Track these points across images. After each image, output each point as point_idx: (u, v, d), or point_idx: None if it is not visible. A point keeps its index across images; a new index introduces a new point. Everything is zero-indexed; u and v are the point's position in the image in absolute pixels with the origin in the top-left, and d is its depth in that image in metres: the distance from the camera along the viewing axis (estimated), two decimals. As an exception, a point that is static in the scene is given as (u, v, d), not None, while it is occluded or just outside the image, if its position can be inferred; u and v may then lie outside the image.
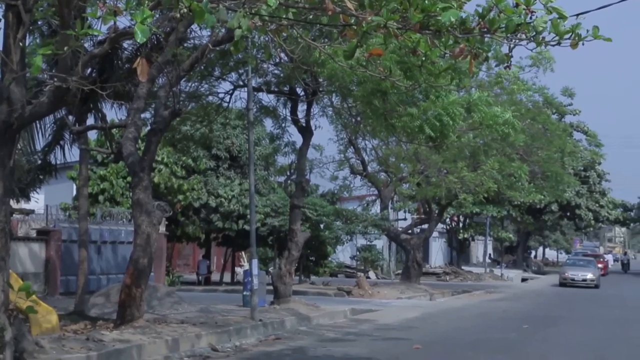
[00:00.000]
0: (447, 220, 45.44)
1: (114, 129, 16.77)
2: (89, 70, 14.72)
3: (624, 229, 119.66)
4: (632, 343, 15.12)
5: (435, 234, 45.21)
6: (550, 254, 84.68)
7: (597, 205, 52.68)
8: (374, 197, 34.76)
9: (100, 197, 24.71)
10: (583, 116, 57.10)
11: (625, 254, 68.12)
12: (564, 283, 36.83)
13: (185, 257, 40.08)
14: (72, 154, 18.71)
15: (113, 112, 18.27)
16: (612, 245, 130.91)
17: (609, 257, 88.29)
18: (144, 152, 13.53)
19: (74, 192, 25.86)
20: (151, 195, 13.45)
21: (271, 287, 19.26)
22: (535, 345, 14.45)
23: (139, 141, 15.87)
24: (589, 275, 36.60)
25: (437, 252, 53.98)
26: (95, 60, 13.91)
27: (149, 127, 14.93)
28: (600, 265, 44.50)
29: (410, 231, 33.21)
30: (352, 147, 28.99)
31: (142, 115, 14.74)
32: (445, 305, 24.21)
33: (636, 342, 15.22)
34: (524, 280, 43.86)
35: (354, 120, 17.63)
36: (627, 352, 13.70)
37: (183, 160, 27.09)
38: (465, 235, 46.97)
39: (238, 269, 34.03)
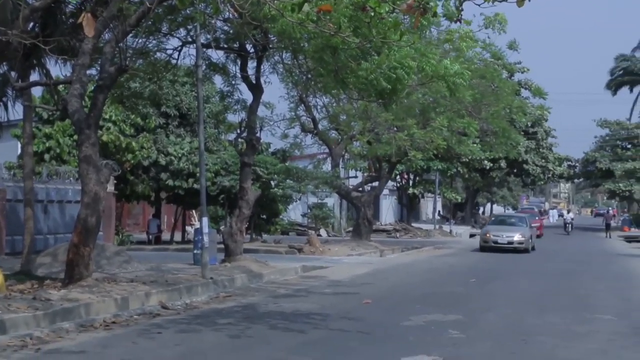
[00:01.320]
0: (397, 177, 45.86)
1: (60, 86, 16.34)
2: (30, 25, 14.29)
3: (568, 185, 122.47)
4: (574, 293, 15.61)
5: (385, 191, 45.61)
6: (498, 210, 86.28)
7: (543, 161, 53.72)
8: (324, 155, 34.78)
9: (46, 156, 24.21)
10: (531, 74, 57.57)
11: (568, 211, 55.74)
12: (484, 247, 29.71)
13: (135, 216, 39.74)
14: (16, 111, 18.25)
15: (58, 69, 17.80)
16: (557, 200, 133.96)
17: (553, 213, 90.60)
18: (90, 109, 13.26)
19: (19, 151, 25.30)
20: (99, 153, 13.24)
21: (222, 246, 19.27)
22: (482, 297, 14.82)
23: (85, 98, 15.57)
24: (517, 237, 29.38)
25: (388, 210, 54.54)
26: (37, 14, 13.51)
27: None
28: (536, 224, 39.08)
29: (360, 189, 33.42)
30: (303, 104, 28.88)
31: (88, 72, 14.40)
32: (395, 261, 24.58)
33: (577, 293, 15.71)
34: (472, 236, 44.64)
35: (304, 77, 17.51)
36: (568, 301, 14.14)
37: (132, 118, 26.66)
38: (415, 192, 47.49)
39: (189, 228, 33.90)
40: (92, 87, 15.55)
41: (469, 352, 9.05)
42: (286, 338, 9.83)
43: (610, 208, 76.42)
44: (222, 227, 23.90)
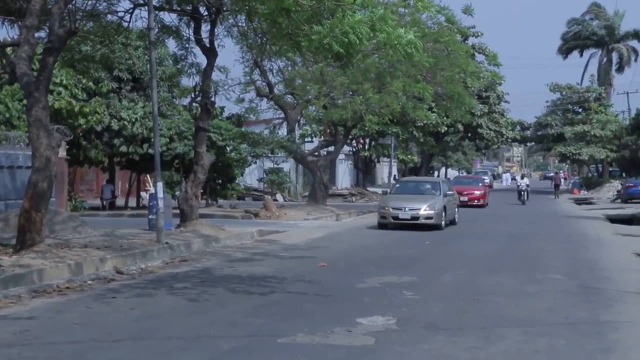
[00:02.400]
0: (353, 142, 45.99)
1: (7, 48, 15.92)
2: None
3: (521, 149, 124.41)
4: (525, 254, 15.94)
5: (341, 156, 45.74)
6: (453, 173, 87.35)
7: (496, 125, 54.39)
8: (280, 120, 34.66)
9: (-5, 121, 23.63)
10: (484, 39, 58.05)
11: (522, 177, 43.75)
12: (383, 223, 22.44)
13: (88, 182, 39.21)
14: (-38, 74, 17.73)
15: (5, 31, 17.36)
16: (510, 164, 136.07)
17: (506, 176, 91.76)
18: (39, 72, 12.96)
19: (-34, 116, 24.63)
20: (50, 118, 12.98)
21: (177, 211, 19.17)
22: (436, 259, 15.05)
23: (35, 61, 15.19)
24: (424, 210, 21.91)
25: (344, 174, 54.77)
26: (-18, -27, 13.09)
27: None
28: (479, 192, 36.19)
29: (316, 153, 33.45)
30: (258, 68, 28.62)
31: (37, 34, 14.05)
32: (351, 224, 24.75)
33: (528, 254, 16.04)
34: (427, 199, 45.12)
35: (259, 40, 17.33)
36: (520, 262, 14.43)
37: (83, 82, 26.13)
38: (371, 156, 47.71)
39: (143, 194, 33.56)
40: (41, 50, 15.17)
41: (423, 312, 9.20)
42: (242, 301, 9.87)
43: (561, 171, 77.71)
44: (177, 193, 23.75)
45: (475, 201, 34.94)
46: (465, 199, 33.53)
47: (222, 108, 32.68)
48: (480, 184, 37.88)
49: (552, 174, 70.89)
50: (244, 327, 8.21)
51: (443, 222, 22.38)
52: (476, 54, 44.78)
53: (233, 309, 9.23)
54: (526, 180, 41.29)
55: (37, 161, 12.46)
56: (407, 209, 22.08)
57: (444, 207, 22.68)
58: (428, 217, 21.95)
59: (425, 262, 14.44)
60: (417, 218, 21.91)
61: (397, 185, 26.52)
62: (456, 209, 25.08)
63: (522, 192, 39.45)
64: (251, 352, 7.07)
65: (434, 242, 18.32)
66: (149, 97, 23.54)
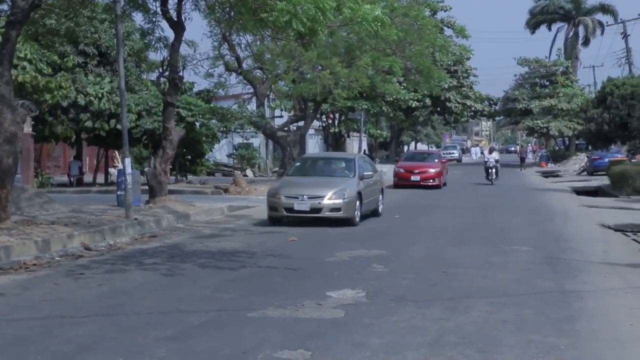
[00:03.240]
0: (323, 117, 45.95)
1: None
2: None
3: (490, 123, 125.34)
4: (493, 227, 16.12)
5: (311, 131, 45.67)
6: (422, 148, 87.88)
7: (465, 99, 54.71)
8: (249, 95, 34.45)
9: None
10: (453, 12, 58.12)
11: (490, 151, 34.64)
12: (273, 217, 16.49)
13: (55, 158, 38.73)
14: None
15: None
16: (479, 138, 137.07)
17: (476, 150, 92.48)
18: (2, 46, 12.71)
19: None
20: (15, 93, 12.77)
21: (146, 187, 19.04)
22: (405, 233, 15.15)
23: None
24: (328, 199, 16.10)
25: (314, 149, 54.73)
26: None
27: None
28: (433, 170, 29.86)
29: (286, 128, 33.36)
30: (226, 43, 28.37)
31: (-1, 7, 13.77)
32: (321, 199, 24.76)
33: (496, 226, 16.23)
34: (396, 174, 45.33)
35: (227, 14, 17.15)
36: (487, 234, 14.58)
37: (48, 56, 25.67)
38: (341, 131, 47.73)
39: (112, 170, 33.24)
40: (4, 23, 14.86)
41: (392, 285, 9.29)
42: (212, 276, 9.87)
43: (529, 144, 78.43)
44: (146, 169, 23.53)
45: (430, 181, 29.22)
46: (417, 178, 29.18)
47: (192, 84, 32.39)
48: (436, 160, 31.74)
49: (512, 148, 72.13)
50: (213, 301, 8.23)
51: (357, 215, 16.28)
52: (445, 28, 44.85)
53: (203, 284, 9.23)
54: (495, 155, 33.18)
55: (1, 136, 12.27)
56: (304, 197, 15.98)
57: (359, 195, 16.42)
58: (335, 209, 15.85)
59: (395, 236, 14.53)
60: (318, 210, 15.90)
61: (297, 164, 19.24)
62: (380, 197, 18.60)
63: (491, 170, 32.36)
64: (221, 326, 7.09)
65: (404, 216, 18.45)
66: (116, 72, 23.24)
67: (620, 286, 9.38)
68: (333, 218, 15.87)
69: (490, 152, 34.21)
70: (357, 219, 16.31)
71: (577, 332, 6.99)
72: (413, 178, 29.04)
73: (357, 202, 16.37)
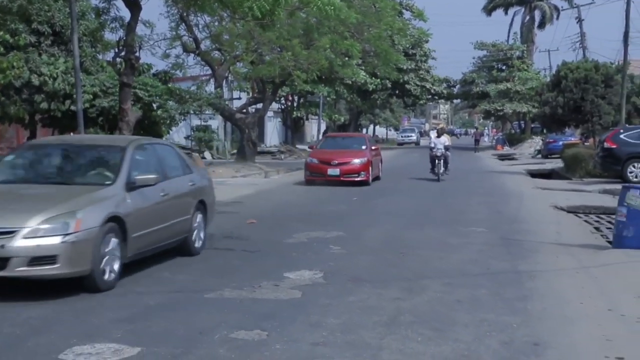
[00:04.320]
0: (282, 99, 45.82)
1: None
2: None
3: (447, 106, 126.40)
4: (450, 208, 16.30)
5: (270, 113, 45.51)
6: (380, 131, 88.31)
7: (423, 82, 55.08)
8: (208, 77, 34.15)
9: None
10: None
11: (439, 134, 25.51)
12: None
13: (8, 139, 37.90)
14: None
15: None
16: (437, 121, 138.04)
17: (434, 133, 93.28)
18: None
19: None
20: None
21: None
22: (364, 214, 15.24)
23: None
24: (24, 241, 7.09)
25: (272, 132, 54.61)
26: None
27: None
28: (359, 160, 22.34)
29: (245, 110, 33.18)
30: (184, 23, 28.07)
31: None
32: (280, 182, 24.78)
33: (453, 208, 16.41)
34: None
35: (184, -6, 17.03)
36: (445, 216, 14.74)
37: (0, 35, 25.08)
38: (299, 115, 47.68)
39: (67, 152, 32.68)
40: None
41: (350, 266, 9.35)
42: (170, 258, 9.81)
43: (486, 128, 79.36)
44: (102, 150, 23.19)
45: (354, 175, 22.01)
46: (336, 172, 21.90)
47: (150, 65, 31.94)
48: (364, 147, 23.42)
49: (457, 131, 73.53)
50: (170, 283, 8.20)
51: (105, 273, 7.83)
52: (403, 11, 44.96)
53: (161, 266, 9.17)
54: (445, 140, 24.69)
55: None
56: None
57: (116, 223, 8.07)
58: (39, 260, 7.23)
59: (353, 218, 14.61)
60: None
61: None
62: (196, 217, 10.28)
63: (438, 161, 24.03)
64: (177, 308, 7.07)
65: (363, 198, 18.53)
66: (71, 51, 22.85)
67: (572, 266, 9.59)
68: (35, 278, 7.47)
69: (439, 134, 25.14)
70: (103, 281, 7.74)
71: (529, 311, 7.14)
72: (331, 172, 21.82)
73: (112, 241, 7.91)
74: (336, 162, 22.05)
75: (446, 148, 24.24)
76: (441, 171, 23.92)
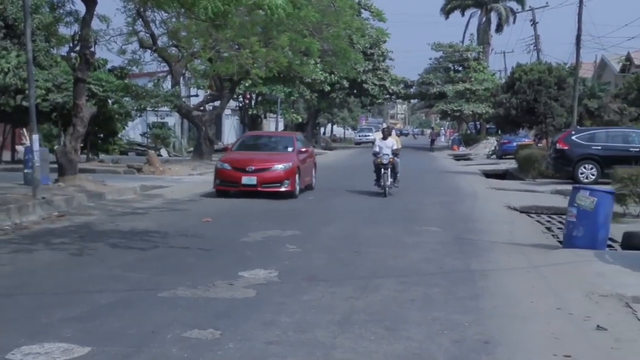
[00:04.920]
0: (240, 97, 45.62)
1: None
2: None
3: (405, 106, 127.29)
4: (405, 208, 16.40)
5: (227, 111, 45.27)
6: (338, 130, 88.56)
7: (381, 81, 55.37)
8: (165, 73, 33.84)
9: None
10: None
11: (385, 134, 19.75)
12: None
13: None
14: None
15: None
16: (395, 121, 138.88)
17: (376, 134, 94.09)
18: None
19: None
20: None
21: (56, 165, 18.51)
22: (320, 213, 15.28)
23: None
24: None
25: (230, 129, 54.36)
26: None
27: None
28: (281, 166, 18.16)
29: (202, 108, 32.97)
30: (140, 19, 27.76)
31: None
32: (236, 179, 24.64)
33: (408, 207, 16.50)
34: (313, 155, 45.54)
35: (141, -11, 16.84)
36: (400, 215, 14.87)
37: (-50, 28, 24.54)
38: (257, 113, 47.52)
39: (19, 147, 32.10)
40: None
41: (305, 265, 9.37)
42: (123, 256, 9.72)
43: (442, 128, 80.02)
44: (56, 147, 22.85)
45: (275, 185, 17.90)
46: (252, 180, 17.72)
47: (105, 60, 31.53)
48: (290, 149, 19.54)
49: (412, 132, 75.18)
50: (123, 281, 8.11)
51: None
52: (362, 10, 45.14)
53: (113, 264, 9.07)
54: (392, 143, 19.41)
55: None
56: None
57: None
58: None
59: (309, 216, 14.64)
60: None
61: None
62: None
63: (385, 170, 18.90)
64: (130, 306, 7.00)
65: (319, 196, 18.56)
66: (24, 45, 22.45)
67: (523, 265, 9.75)
68: None
69: (385, 136, 19.59)
70: None
71: (480, 310, 7.24)
72: (246, 180, 17.63)
73: None
74: (253, 168, 17.81)
75: (395, 153, 19.05)
76: (388, 183, 18.71)
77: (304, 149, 19.88)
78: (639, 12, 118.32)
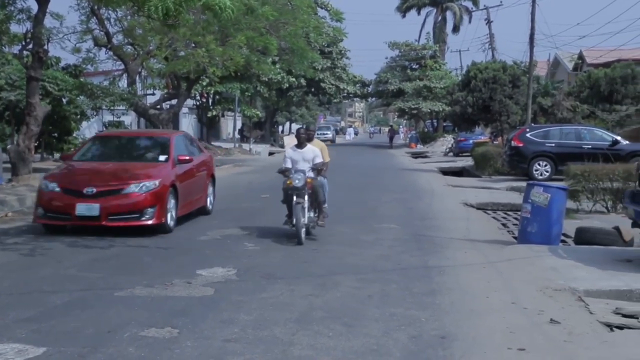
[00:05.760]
0: (197, 96, 45.33)
1: None
2: None
3: (363, 104, 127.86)
4: (364, 205, 16.47)
5: (185, 109, 44.93)
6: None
7: (338, 80, 55.52)
8: (120, 72, 33.45)
9: None
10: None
11: (301, 140, 11.63)
12: None
13: None
14: None
15: None
16: (353, 119, 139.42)
17: (349, 131, 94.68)
18: None
19: None
20: None
21: (10, 165, 18.19)
22: (277, 211, 15.21)
23: None
24: None
25: (187, 128, 53.83)
26: None
27: None
28: (144, 186, 11.45)
29: (159, 106, 32.69)
30: (95, 17, 27.41)
31: None
32: (194, 178, 24.48)
33: (367, 204, 16.60)
34: (271, 154, 45.57)
35: (95, -14, 16.63)
36: (359, 212, 14.90)
37: None
38: (215, 112, 47.29)
39: (-29, 147, 31.45)
40: None
41: (263, 263, 9.36)
42: (79, 255, 9.60)
43: (400, 126, 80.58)
44: (9, 146, 22.43)
45: (133, 216, 11.41)
46: (93, 210, 11.19)
47: (58, 58, 31.04)
48: (162, 158, 12.74)
49: (372, 131, 77.06)
50: (79, 281, 8.01)
51: None
52: (319, 9, 45.17)
53: (69, 264, 8.96)
54: (311, 154, 11.61)
55: None
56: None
57: None
58: None
59: (268, 214, 14.59)
60: None
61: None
62: None
63: (298, 198, 11.14)
64: (86, 306, 6.92)
65: (276, 195, 18.49)
66: (-25, 43, 22.01)
67: (479, 261, 9.89)
68: None
69: (302, 141, 11.77)
70: None
71: (437, 305, 7.32)
72: (83, 209, 11.18)
73: None
74: (94, 190, 11.27)
75: (317, 169, 11.65)
76: (305, 220, 11.15)
77: (187, 157, 12.95)
78: (591, 11, 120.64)
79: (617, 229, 11.35)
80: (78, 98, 29.80)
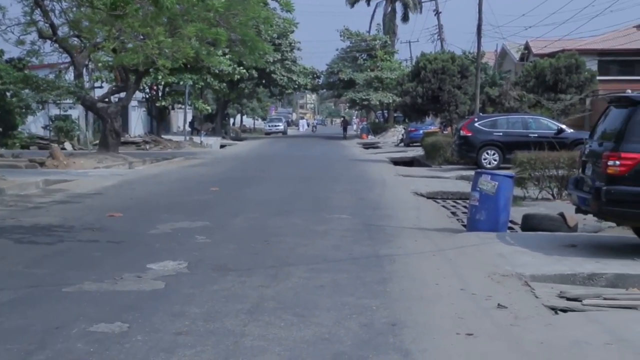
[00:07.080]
0: (147, 89, 44.80)
1: None
2: None
3: (314, 96, 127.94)
4: (315, 196, 16.55)
5: (134, 102, 44.36)
6: (248, 121, 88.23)
7: (289, 72, 55.44)
8: (67, 64, 32.82)
9: None
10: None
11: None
12: None
13: None
14: None
15: None
16: (304, 111, 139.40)
17: (302, 123, 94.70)
18: None
19: None
20: None
21: (-49, 160, 17.75)
22: (230, 204, 15.20)
23: None
24: None
25: (137, 121, 53.24)
26: None
27: None
28: None
29: (107, 99, 32.19)
30: (39, 8, 26.84)
31: None
32: (145, 172, 24.29)
33: (318, 195, 16.67)
34: (222, 146, 45.36)
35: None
36: (310, 203, 14.97)
37: None
38: (165, 104, 46.81)
39: None
40: None
41: (214, 255, 9.33)
42: (25, 252, 9.42)
43: (353, 117, 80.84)
44: (-49, 141, 21.91)
45: None
46: None
47: (1, 51, 30.34)
48: None
49: (317, 123, 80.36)
50: (26, 278, 7.87)
51: None
52: (269, 0, 45.00)
53: (14, 260, 8.79)
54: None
55: None
56: None
57: None
58: None
59: (219, 207, 14.54)
60: None
61: None
62: None
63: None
64: (33, 303, 6.81)
65: (228, 187, 18.46)
66: None
67: (429, 249, 10.01)
68: None
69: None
70: None
71: (388, 293, 7.40)
72: None
73: None
74: None
75: None
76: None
77: None
78: (536, 2, 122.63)
79: (562, 215, 11.61)
80: (23, 91, 29.18)
